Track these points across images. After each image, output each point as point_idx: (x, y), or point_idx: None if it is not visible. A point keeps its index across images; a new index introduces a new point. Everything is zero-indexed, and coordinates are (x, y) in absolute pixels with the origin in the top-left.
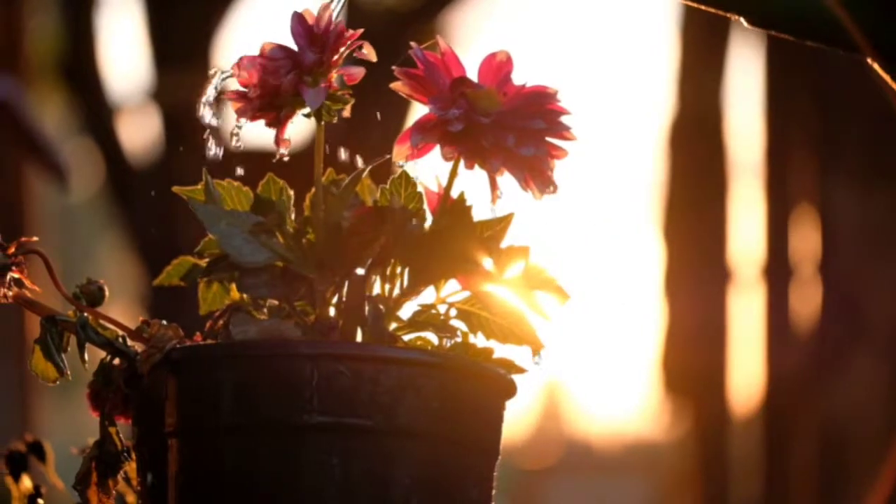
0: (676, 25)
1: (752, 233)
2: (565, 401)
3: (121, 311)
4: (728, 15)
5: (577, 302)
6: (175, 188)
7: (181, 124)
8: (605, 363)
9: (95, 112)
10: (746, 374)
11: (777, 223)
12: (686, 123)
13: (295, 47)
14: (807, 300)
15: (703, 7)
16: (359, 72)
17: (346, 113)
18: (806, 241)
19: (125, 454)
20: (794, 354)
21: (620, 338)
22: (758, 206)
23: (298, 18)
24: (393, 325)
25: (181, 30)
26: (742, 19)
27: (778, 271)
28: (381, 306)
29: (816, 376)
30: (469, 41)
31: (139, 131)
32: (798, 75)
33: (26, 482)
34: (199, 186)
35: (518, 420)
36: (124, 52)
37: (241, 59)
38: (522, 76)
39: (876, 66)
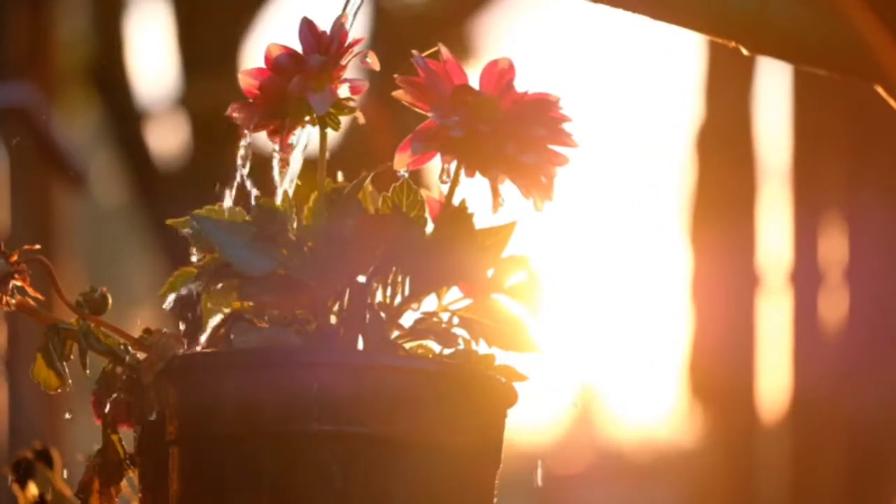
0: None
1: (780, 239)
2: (598, 407)
3: (149, 317)
4: (726, 42)
5: (606, 307)
6: (169, 221)
7: (210, 129)
8: (637, 369)
9: (124, 118)
10: (774, 380)
11: (805, 229)
12: (714, 129)
13: (301, 52)
14: (835, 306)
15: (703, 34)
16: (363, 84)
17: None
18: (834, 247)
19: (127, 462)
20: (822, 361)
21: (650, 343)
22: (786, 212)
23: (307, 24)
24: (394, 334)
25: (210, 35)
26: (741, 47)
27: (806, 277)
28: (383, 314)
29: (844, 382)
30: (496, 47)
31: (168, 137)
32: (826, 81)
33: (32, 489)
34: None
35: (550, 425)
36: (153, 58)
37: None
38: (538, 83)
39: (882, 92)
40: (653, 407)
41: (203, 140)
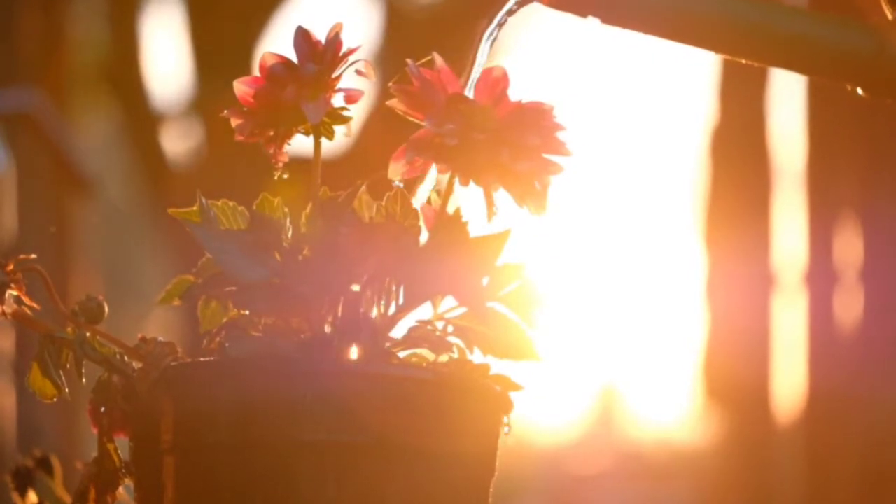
0: None
1: (795, 239)
2: (617, 407)
3: (161, 322)
4: (846, 85)
5: (622, 310)
6: (171, 210)
7: (224, 133)
8: (653, 370)
9: (137, 122)
10: (789, 380)
11: (820, 229)
12: (729, 130)
13: (296, 61)
14: (849, 307)
15: (820, 78)
16: (358, 92)
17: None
18: (849, 247)
19: (123, 471)
20: (837, 361)
21: (666, 345)
22: (801, 213)
23: (302, 33)
24: (388, 342)
25: (223, 38)
26: (859, 90)
27: (821, 278)
28: (377, 323)
29: (859, 382)
30: (511, 48)
31: (181, 140)
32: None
33: (32, 497)
34: (195, 208)
35: (568, 426)
36: (165, 61)
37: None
38: (551, 85)
39: None
40: (669, 408)
41: (216, 143)
